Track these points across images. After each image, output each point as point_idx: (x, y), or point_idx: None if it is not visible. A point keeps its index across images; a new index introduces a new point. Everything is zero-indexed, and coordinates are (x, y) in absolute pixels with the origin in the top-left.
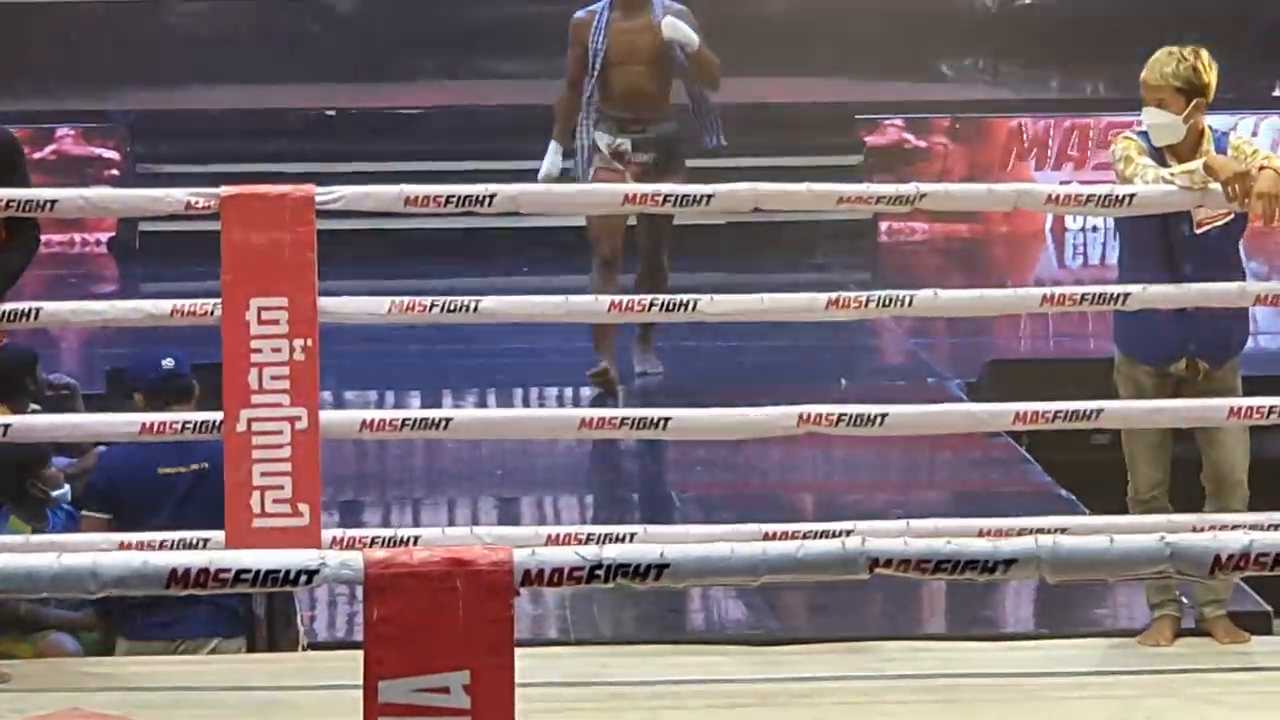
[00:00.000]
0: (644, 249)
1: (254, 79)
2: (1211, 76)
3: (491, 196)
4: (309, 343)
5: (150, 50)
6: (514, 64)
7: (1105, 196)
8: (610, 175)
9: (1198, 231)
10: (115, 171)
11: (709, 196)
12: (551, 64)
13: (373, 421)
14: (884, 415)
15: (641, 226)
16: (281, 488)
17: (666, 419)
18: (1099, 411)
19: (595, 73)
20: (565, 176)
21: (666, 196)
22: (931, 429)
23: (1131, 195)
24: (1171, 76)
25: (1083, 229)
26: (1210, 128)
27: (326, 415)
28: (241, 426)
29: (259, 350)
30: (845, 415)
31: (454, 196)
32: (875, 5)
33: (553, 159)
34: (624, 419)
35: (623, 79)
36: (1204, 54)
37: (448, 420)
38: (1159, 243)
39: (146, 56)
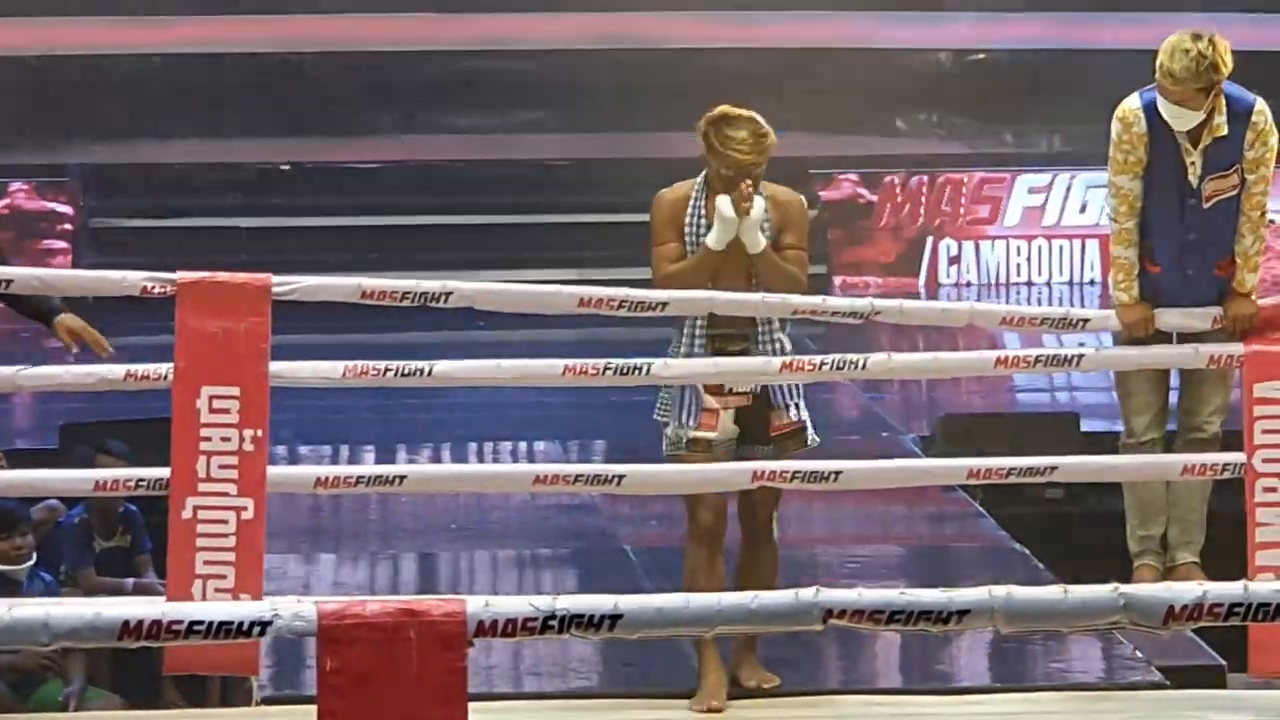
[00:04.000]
0: (749, 516)
1: (208, 133)
2: (1228, 59)
3: (448, 294)
4: (259, 433)
5: (103, 104)
6: (470, 119)
7: (1061, 319)
8: (708, 418)
9: (1205, 206)
10: (69, 226)
11: (664, 304)
12: (507, 119)
13: (327, 478)
14: (837, 472)
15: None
16: (224, 577)
17: (621, 476)
18: (1053, 468)
19: None
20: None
21: (623, 301)
22: (885, 484)
23: (1085, 320)
24: (1192, 79)
25: (956, 284)
26: (1228, 96)
27: (281, 470)
28: (187, 514)
29: (208, 439)
30: (799, 472)
31: (410, 293)
32: (829, 60)
33: (723, 216)
34: (578, 475)
35: (725, 284)
36: (1218, 42)
37: (402, 477)
38: (1173, 207)
39: (100, 110)
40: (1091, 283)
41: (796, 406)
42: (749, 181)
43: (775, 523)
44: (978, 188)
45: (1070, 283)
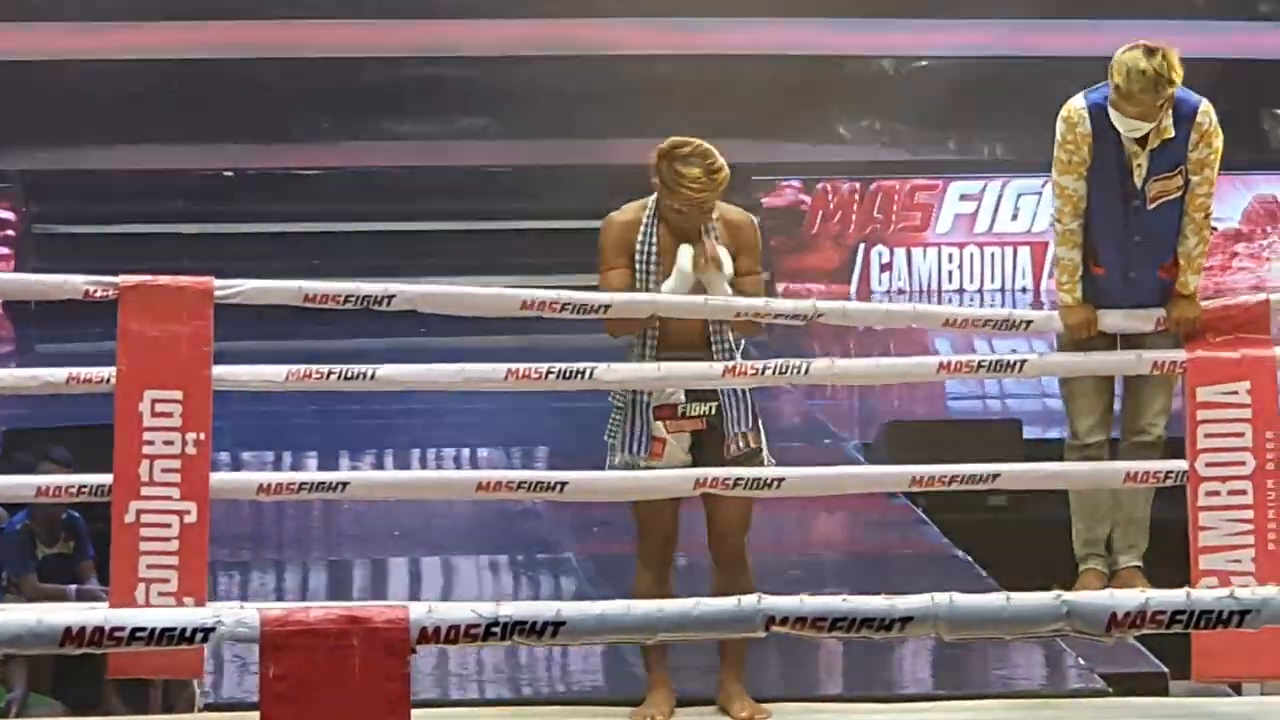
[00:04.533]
0: (719, 541)
1: (151, 139)
2: (1180, 69)
3: (390, 297)
4: (202, 437)
5: (46, 110)
6: (411, 125)
7: (1003, 320)
8: (657, 447)
9: (1150, 208)
10: (11, 232)
11: (607, 306)
12: (449, 126)
13: (270, 485)
14: (780, 479)
15: (714, 513)
16: (168, 581)
17: (564, 482)
18: (997, 475)
19: None
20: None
21: (565, 303)
22: (828, 491)
23: (1029, 321)
24: (1151, 98)
25: (888, 291)
26: (1175, 98)
27: (223, 476)
28: (130, 518)
29: (151, 443)
30: (741, 479)
31: (353, 295)
32: (771, 66)
33: (681, 270)
34: (521, 482)
35: (680, 327)
36: (1170, 55)
37: (344, 483)
38: (1117, 209)
39: (43, 117)
40: (1023, 290)
41: (748, 435)
42: (714, 242)
43: (747, 548)
44: (910, 195)
45: (1002, 289)
